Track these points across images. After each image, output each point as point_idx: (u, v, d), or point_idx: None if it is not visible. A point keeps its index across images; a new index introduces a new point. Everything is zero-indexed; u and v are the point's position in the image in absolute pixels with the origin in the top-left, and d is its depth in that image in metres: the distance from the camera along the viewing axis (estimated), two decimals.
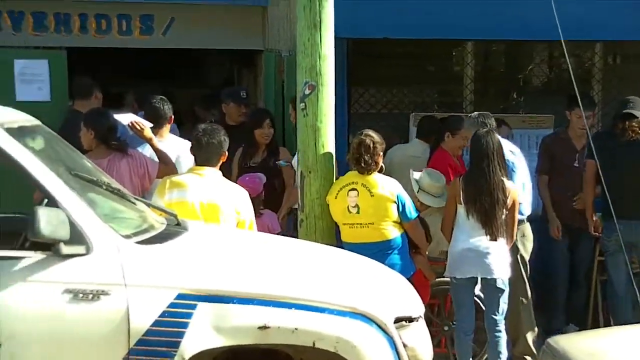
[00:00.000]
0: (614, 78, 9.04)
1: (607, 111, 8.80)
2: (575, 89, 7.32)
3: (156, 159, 6.81)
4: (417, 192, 6.98)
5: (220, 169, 6.26)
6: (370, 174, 6.53)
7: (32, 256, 4.48)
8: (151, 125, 6.93)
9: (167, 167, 6.74)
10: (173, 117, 7.35)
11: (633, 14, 8.23)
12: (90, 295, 4.44)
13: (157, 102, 7.23)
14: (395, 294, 5.11)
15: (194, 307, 4.49)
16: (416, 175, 7.09)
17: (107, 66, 10.33)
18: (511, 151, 7.14)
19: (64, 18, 9.10)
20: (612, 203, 7.36)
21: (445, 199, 6.95)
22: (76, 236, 4.46)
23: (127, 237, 4.68)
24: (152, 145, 6.86)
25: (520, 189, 7.00)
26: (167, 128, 7.30)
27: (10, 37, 8.94)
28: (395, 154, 8.07)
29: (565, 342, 5.59)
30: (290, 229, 7.33)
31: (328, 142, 6.56)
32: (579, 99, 6.92)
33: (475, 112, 7.37)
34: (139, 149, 6.93)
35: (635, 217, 7.31)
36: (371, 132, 6.63)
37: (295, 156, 6.81)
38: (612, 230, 7.31)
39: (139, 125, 6.87)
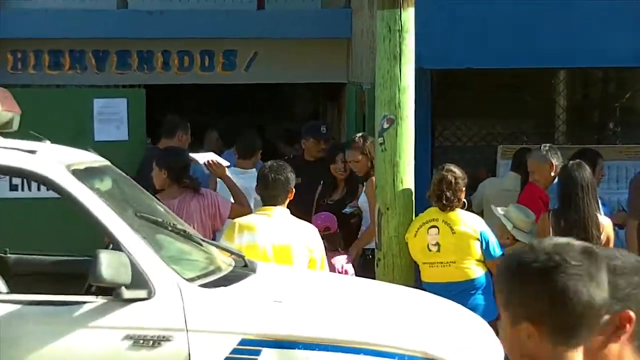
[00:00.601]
0: None
1: None
2: None
3: (230, 198, 6.84)
4: (512, 229, 6.85)
5: (295, 206, 6.27)
6: (452, 210, 6.47)
7: (94, 301, 4.52)
8: (227, 164, 6.98)
9: (241, 208, 6.76)
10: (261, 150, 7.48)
11: None
12: (151, 342, 4.45)
13: (250, 134, 7.29)
14: (472, 338, 5.01)
15: (258, 352, 4.48)
16: (501, 210, 6.97)
17: (190, 102, 10.46)
18: None
19: (147, 56, 9.30)
20: None
21: (534, 235, 6.81)
22: (138, 280, 4.48)
23: (191, 280, 4.69)
24: (228, 185, 6.92)
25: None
26: (256, 159, 7.46)
27: (94, 77, 9.16)
28: (488, 188, 7.98)
29: None
30: (361, 269, 7.27)
31: (407, 178, 6.53)
32: None
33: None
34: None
35: None
36: (453, 167, 6.57)
37: (362, 196, 6.78)
38: None
39: (215, 164, 6.95)
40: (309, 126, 8.64)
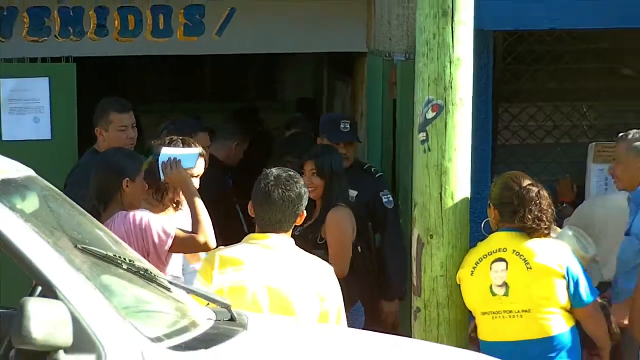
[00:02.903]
0: None
1: None
2: None
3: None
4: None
5: None
6: (532, 235, 6.61)
7: None
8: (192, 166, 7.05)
9: (194, 239, 6.77)
10: None
11: None
12: None
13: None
14: None
15: None
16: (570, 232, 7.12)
17: (137, 82, 10.52)
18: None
19: (74, 15, 9.37)
20: None
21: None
22: (83, 340, 4.50)
23: (157, 339, 4.72)
24: (187, 201, 6.95)
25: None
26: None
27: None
28: (597, 205, 8.12)
29: None
30: None
31: (461, 191, 6.67)
32: None
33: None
34: None
35: None
36: (523, 176, 6.72)
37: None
38: None
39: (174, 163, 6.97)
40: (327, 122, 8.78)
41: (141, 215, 6.73)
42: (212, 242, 6.73)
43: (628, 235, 7.31)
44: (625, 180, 7.35)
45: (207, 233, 6.70)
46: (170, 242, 6.65)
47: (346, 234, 8.03)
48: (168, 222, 6.82)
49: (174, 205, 7.16)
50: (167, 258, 6.69)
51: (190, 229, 6.80)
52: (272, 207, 6.14)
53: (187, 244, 6.73)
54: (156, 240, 6.65)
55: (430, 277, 6.64)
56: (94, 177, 6.95)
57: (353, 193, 8.28)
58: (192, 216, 6.83)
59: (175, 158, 6.93)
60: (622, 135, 7.39)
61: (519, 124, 8.84)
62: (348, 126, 8.48)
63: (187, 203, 6.93)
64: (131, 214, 6.69)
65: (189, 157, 7.05)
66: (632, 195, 7.38)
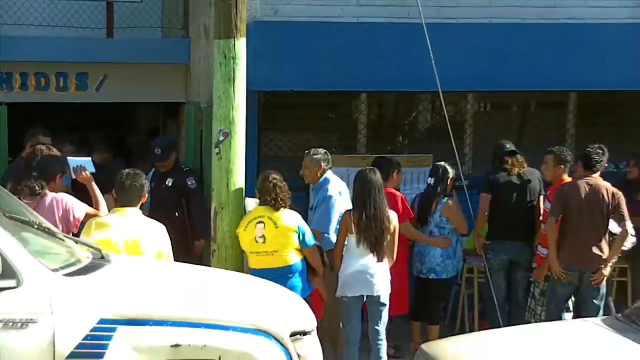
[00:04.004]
0: (484, 124, 9.18)
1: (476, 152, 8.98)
2: (450, 133, 7.54)
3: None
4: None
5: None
6: (277, 209, 6.55)
7: None
8: (93, 171, 6.78)
9: (96, 213, 6.42)
10: None
11: (500, 66, 8.40)
12: (20, 324, 4.38)
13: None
14: (291, 311, 5.15)
15: (114, 330, 4.48)
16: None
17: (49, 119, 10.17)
18: (339, 192, 7.21)
19: (6, 77, 9.01)
20: (502, 228, 7.62)
21: None
22: (7, 271, 4.41)
23: (55, 270, 4.63)
24: (91, 191, 6.62)
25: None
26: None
27: None
28: None
29: (435, 346, 5.74)
30: None
31: (238, 182, 6.60)
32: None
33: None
34: None
35: (516, 238, 7.55)
36: (275, 173, 6.67)
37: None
38: (498, 250, 7.68)
39: (82, 169, 6.72)
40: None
41: (66, 197, 6.45)
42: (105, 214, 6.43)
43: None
44: (309, 177, 7.29)
45: (103, 209, 6.44)
46: (84, 213, 6.36)
47: None
48: (81, 205, 6.51)
49: None
50: (77, 223, 6.35)
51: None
52: (126, 192, 6.02)
53: (92, 215, 6.35)
54: (77, 213, 6.35)
55: (222, 231, 6.58)
56: (43, 168, 6.51)
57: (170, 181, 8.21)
58: (93, 199, 6.55)
59: (82, 165, 6.75)
60: (307, 152, 7.38)
61: (273, 143, 8.77)
62: (159, 151, 8.29)
63: (90, 191, 6.61)
64: (60, 196, 6.40)
65: (89, 163, 6.82)
66: (313, 186, 7.36)
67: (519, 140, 7.99)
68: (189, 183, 8.23)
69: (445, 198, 7.72)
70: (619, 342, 5.44)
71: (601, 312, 7.16)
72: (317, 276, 6.81)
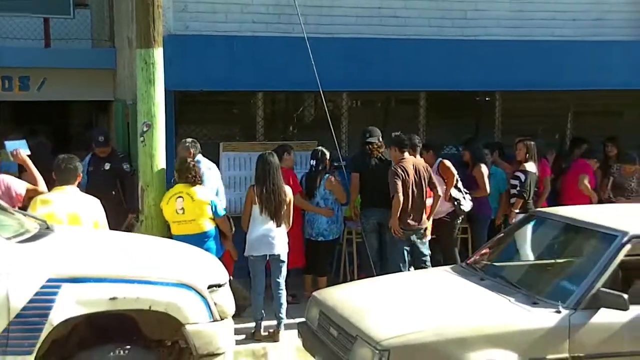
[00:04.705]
0: (356, 116, 9.26)
1: (350, 139, 9.00)
2: (330, 124, 7.56)
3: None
4: None
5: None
6: (193, 186, 6.45)
7: None
8: (28, 152, 6.43)
9: (35, 188, 6.01)
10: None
11: (366, 71, 8.43)
12: None
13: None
14: (207, 268, 5.07)
15: (59, 287, 4.33)
16: None
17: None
18: (209, 167, 7.16)
19: None
20: (370, 198, 7.69)
21: None
22: None
23: (8, 238, 4.44)
24: (27, 168, 6.22)
25: (214, 193, 6.95)
26: None
27: None
28: None
29: (324, 293, 5.77)
30: None
31: (160, 165, 6.45)
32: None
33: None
34: None
35: (382, 206, 7.52)
36: (188, 159, 6.60)
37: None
38: (369, 216, 7.67)
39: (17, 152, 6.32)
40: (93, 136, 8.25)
41: (7, 177, 6.09)
42: (44, 190, 6.05)
43: None
44: None
45: (41, 184, 6.05)
46: (24, 189, 5.98)
47: None
48: (21, 182, 6.15)
49: None
50: (20, 198, 5.99)
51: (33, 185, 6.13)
52: (63, 172, 5.79)
53: (32, 190, 6.00)
54: (18, 190, 5.97)
55: (148, 205, 6.43)
56: None
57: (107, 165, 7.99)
58: (30, 176, 6.16)
59: (17, 148, 6.41)
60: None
61: (186, 133, 8.43)
62: (102, 138, 8.06)
63: (27, 169, 6.21)
64: (1, 177, 6.04)
65: (24, 144, 6.46)
66: None
67: (383, 129, 8.05)
68: (125, 167, 8.05)
69: (327, 175, 7.74)
70: (461, 281, 5.60)
71: (428, 258, 7.39)
72: (227, 240, 6.74)
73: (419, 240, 7.35)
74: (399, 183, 7.14)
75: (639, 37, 9.51)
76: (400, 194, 7.12)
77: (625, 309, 4.81)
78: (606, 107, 9.88)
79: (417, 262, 7.40)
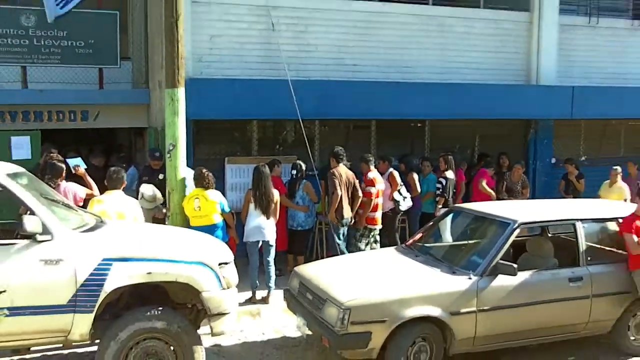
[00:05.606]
0: (325, 138, 9.22)
1: (321, 154, 9.03)
2: (307, 143, 7.66)
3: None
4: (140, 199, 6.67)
5: None
6: (206, 189, 6.47)
7: (23, 242, 4.26)
8: (85, 167, 6.53)
9: (92, 193, 6.27)
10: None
11: (331, 104, 8.37)
12: (54, 262, 4.27)
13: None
14: (217, 250, 5.08)
15: (111, 265, 4.39)
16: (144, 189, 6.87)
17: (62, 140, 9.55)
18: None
19: (39, 112, 8.51)
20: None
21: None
22: (45, 230, 4.27)
23: (74, 229, 4.50)
24: (86, 180, 6.36)
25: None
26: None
27: (6, 125, 8.24)
28: None
29: (302, 268, 5.83)
30: None
31: (181, 175, 6.44)
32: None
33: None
34: None
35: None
36: (204, 170, 6.57)
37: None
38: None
39: (77, 167, 6.52)
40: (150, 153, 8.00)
41: (71, 184, 6.18)
42: (98, 193, 6.18)
43: None
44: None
45: (95, 190, 6.21)
46: (85, 193, 6.12)
47: None
48: (82, 188, 6.26)
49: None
50: (81, 200, 6.10)
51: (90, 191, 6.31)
52: (112, 181, 5.83)
53: (90, 194, 6.14)
54: (80, 194, 6.08)
55: (173, 204, 6.42)
56: (52, 168, 6.15)
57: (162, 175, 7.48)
58: (87, 184, 6.30)
59: (77, 163, 6.48)
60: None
61: (202, 151, 8.50)
62: (158, 154, 7.70)
63: (85, 180, 6.32)
64: (68, 184, 6.14)
65: (80, 161, 6.57)
66: None
67: (346, 148, 8.14)
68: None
69: (304, 181, 7.81)
70: (402, 258, 5.70)
71: (363, 244, 7.34)
72: (231, 229, 6.77)
73: (347, 227, 7.38)
74: (337, 182, 7.17)
75: (526, 82, 9.74)
76: (339, 190, 7.15)
77: (515, 274, 5.03)
78: (500, 131, 10.15)
79: (349, 242, 7.38)
